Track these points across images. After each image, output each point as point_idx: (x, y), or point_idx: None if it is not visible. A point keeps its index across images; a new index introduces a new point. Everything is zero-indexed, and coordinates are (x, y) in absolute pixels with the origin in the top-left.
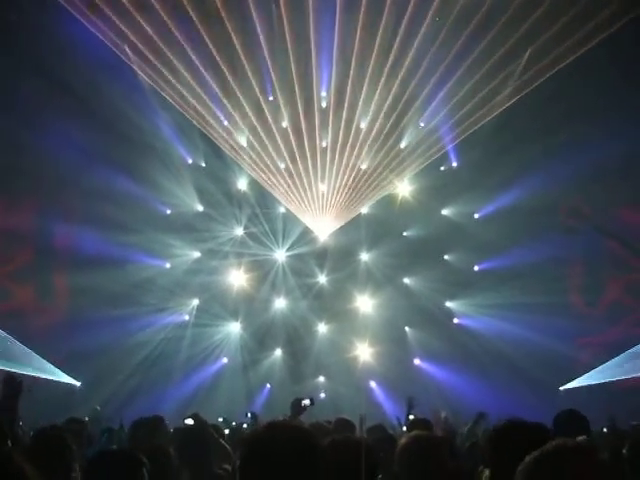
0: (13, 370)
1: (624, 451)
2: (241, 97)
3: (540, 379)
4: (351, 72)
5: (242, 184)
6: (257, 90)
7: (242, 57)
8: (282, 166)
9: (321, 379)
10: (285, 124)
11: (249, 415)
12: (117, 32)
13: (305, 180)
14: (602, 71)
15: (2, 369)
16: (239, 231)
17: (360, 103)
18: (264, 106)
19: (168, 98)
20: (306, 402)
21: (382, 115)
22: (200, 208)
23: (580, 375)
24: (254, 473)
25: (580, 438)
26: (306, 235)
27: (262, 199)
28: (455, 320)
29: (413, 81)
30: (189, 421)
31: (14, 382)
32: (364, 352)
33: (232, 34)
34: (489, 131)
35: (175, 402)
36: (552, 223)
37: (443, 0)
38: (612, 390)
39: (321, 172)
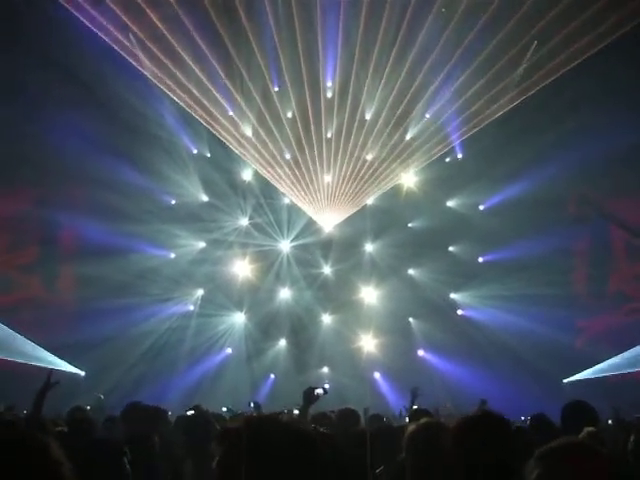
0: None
1: (630, 442)
2: (247, 87)
3: (544, 371)
4: (356, 63)
5: (247, 174)
6: (262, 80)
7: (248, 47)
8: (287, 157)
9: (325, 369)
10: (290, 114)
11: (252, 405)
12: (122, 22)
13: (310, 171)
14: (608, 61)
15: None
16: (244, 221)
17: (365, 94)
18: (269, 96)
19: (174, 84)
20: (319, 391)
21: (388, 106)
22: (205, 198)
23: (584, 367)
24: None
25: (589, 429)
26: (311, 226)
27: (267, 189)
28: (459, 311)
29: (419, 72)
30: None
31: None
32: (368, 343)
33: (238, 24)
34: (495, 122)
35: (179, 392)
36: (557, 215)
37: None
38: (614, 383)
39: (326, 163)
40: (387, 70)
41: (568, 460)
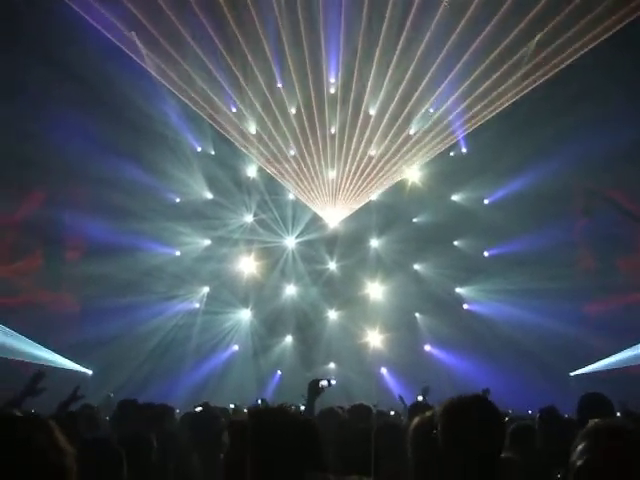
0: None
1: None
2: (250, 84)
3: (550, 364)
4: (359, 58)
5: (251, 171)
6: (266, 77)
7: (251, 44)
8: (291, 153)
9: (332, 365)
10: (294, 110)
11: (260, 402)
12: (125, 19)
13: (315, 167)
14: (611, 54)
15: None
16: (249, 218)
17: (369, 89)
18: (273, 93)
19: (177, 82)
20: (324, 383)
21: (391, 101)
22: (209, 196)
23: (590, 360)
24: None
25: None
26: (316, 222)
27: (271, 186)
28: (465, 306)
29: (422, 66)
30: (199, 409)
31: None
32: (374, 338)
33: (241, 21)
34: (498, 116)
35: (187, 389)
36: (562, 208)
37: None
38: (620, 377)
39: (330, 159)
40: (390, 65)
41: (614, 437)
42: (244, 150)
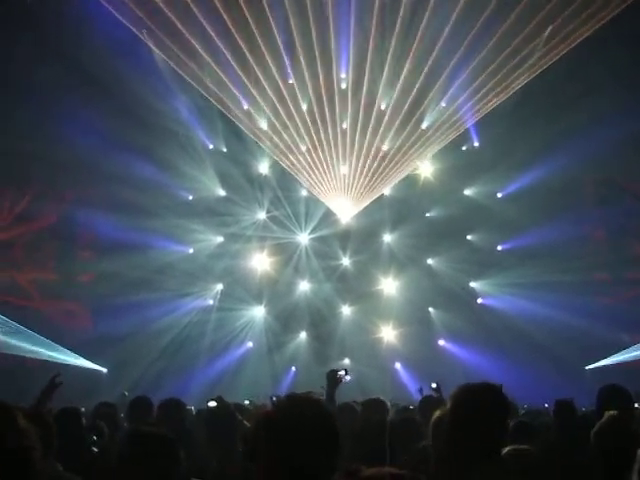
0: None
1: None
2: (261, 80)
3: (564, 358)
4: (370, 53)
5: (263, 167)
6: (277, 73)
7: (262, 40)
8: (303, 148)
9: (346, 361)
10: (305, 106)
11: (274, 400)
12: (136, 15)
13: (327, 162)
14: (621, 47)
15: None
16: (261, 215)
17: (380, 84)
18: (284, 89)
19: (188, 79)
20: (341, 373)
21: (403, 95)
22: (222, 193)
23: (604, 353)
24: (271, 449)
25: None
26: (329, 217)
27: (284, 182)
28: (479, 300)
29: (433, 61)
30: (212, 404)
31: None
32: (388, 334)
33: (252, 16)
34: (510, 110)
35: (201, 386)
36: (574, 201)
37: None
38: (635, 370)
39: (342, 154)
40: (401, 59)
41: None
42: (256, 146)
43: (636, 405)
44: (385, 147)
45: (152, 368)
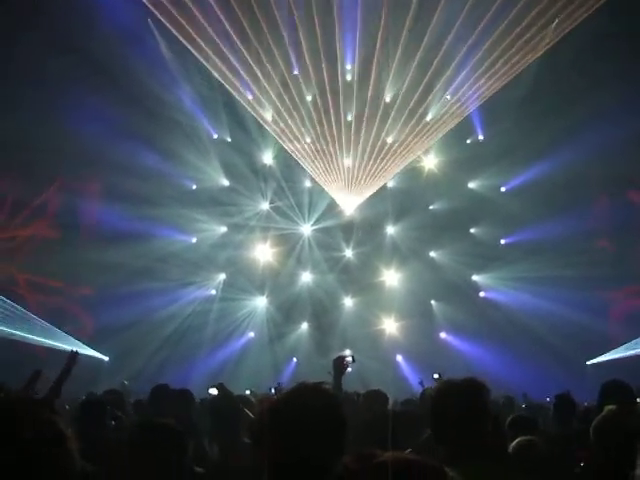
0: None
1: None
2: (266, 71)
3: (566, 352)
4: (376, 45)
5: (268, 158)
6: (282, 64)
7: (267, 31)
8: (307, 140)
9: (347, 352)
10: (310, 98)
11: (274, 390)
12: (143, 6)
13: (331, 153)
14: (627, 43)
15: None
16: (265, 205)
17: (385, 76)
18: (289, 80)
19: (194, 69)
20: (349, 359)
21: (407, 88)
22: (226, 182)
23: (606, 348)
24: (276, 438)
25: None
26: (332, 208)
27: (288, 173)
28: (481, 293)
29: (439, 54)
30: (213, 390)
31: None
32: (390, 326)
33: (258, 8)
34: (516, 104)
35: (203, 375)
36: (578, 196)
37: None
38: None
39: (346, 145)
40: (406, 51)
41: None
42: (260, 137)
43: (638, 400)
44: (390, 139)
45: (154, 357)
